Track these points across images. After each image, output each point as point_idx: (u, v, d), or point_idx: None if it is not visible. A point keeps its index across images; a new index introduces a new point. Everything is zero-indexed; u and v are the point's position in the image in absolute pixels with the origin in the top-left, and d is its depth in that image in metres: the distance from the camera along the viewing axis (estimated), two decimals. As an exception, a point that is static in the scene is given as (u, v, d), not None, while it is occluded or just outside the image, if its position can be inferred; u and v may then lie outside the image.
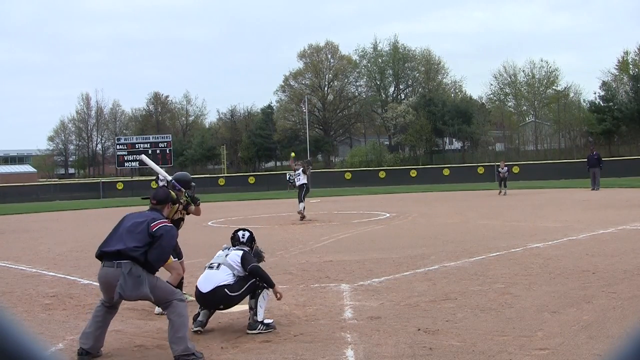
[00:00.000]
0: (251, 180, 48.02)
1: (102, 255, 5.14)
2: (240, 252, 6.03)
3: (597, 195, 23.90)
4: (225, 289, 5.76)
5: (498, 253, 9.85)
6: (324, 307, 6.59)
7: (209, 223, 18.14)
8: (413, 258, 9.69)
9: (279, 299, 5.99)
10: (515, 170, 41.99)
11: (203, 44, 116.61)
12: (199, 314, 5.92)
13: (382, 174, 46.74)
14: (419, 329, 5.51)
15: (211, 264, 6.02)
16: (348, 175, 47.68)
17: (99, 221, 20.13)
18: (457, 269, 8.62)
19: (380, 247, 11.38)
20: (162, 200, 5.68)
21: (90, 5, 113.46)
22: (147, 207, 5.70)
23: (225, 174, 53.57)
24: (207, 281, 5.84)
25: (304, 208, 17.70)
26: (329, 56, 66.30)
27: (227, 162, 62.36)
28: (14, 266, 10.83)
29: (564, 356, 4.64)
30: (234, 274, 5.86)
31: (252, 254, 6.16)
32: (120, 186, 47.90)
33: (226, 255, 6.02)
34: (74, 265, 10.29)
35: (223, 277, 5.81)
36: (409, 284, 7.70)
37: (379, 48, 66.42)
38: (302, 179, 17.87)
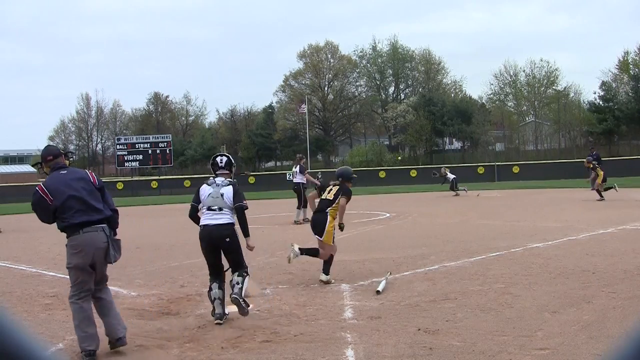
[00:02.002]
0: (251, 180, 47.99)
1: (81, 224, 5.10)
2: (231, 188, 6.29)
3: (597, 195, 23.84)
4: (233, 227, 6.20)
5: (498, 253, 9.85)
6: (324, 307, 6.59)
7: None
8: (413, 258, 9.70)
9: (250, 250, 6.37)
10: (515, 170, 42.00)
11: (203, 44, 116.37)
12: (213, 300, 6.09)
13: (382, 174, 46.73)
14: (419, 329, 5.51)
15: (211, 207, 6.22)
16: (348, 175, 47.59)
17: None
18: (457, 268, 8.62)
19: (380, 247, 11.37)
20: (57, 153, 5.54)
21: (90, 5, 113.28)
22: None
23: (225, 174, 53.38)
24: (216, 219, 6.16)
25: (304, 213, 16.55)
26: (329, 56, 66.21)
27: (227, 162, 62.16)
28: (14, 266, 10.83)
29: (564, 356, 4.64)
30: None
31: (239, 189, 6.38)
32: (120, 186, 47.86)
33: (222, 195, 6.23)
34: (74, 265, 10.27)
35: (229, 218, 6.21)
36: (409, 284, 7.71)
37: (378, 48, 66.52)
38: (298, 178, 17.05)
